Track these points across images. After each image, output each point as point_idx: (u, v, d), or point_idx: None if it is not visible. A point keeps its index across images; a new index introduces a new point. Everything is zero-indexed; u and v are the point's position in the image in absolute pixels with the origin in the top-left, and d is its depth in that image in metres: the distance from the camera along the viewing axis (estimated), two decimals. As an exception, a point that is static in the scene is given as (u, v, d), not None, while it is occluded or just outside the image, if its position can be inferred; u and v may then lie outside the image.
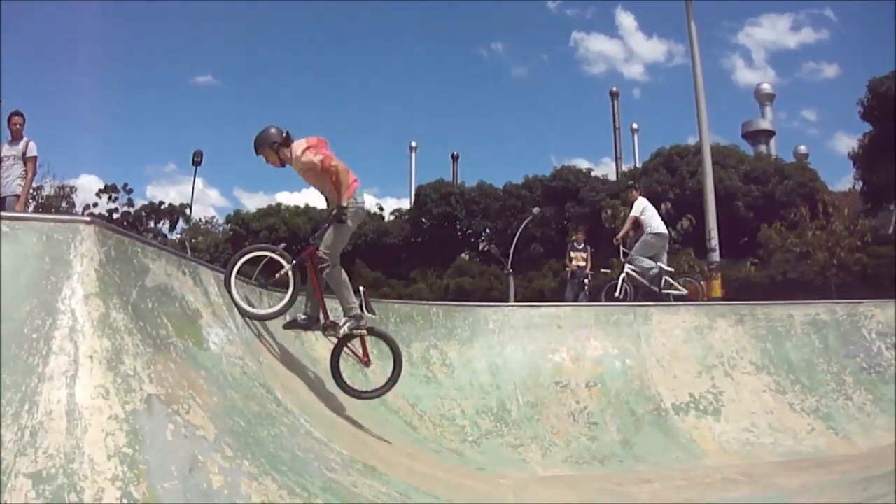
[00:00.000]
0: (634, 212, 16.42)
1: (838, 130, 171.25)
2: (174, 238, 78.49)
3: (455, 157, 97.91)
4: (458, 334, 13.04)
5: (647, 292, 16.22)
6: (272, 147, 9.04)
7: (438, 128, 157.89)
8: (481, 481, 9.27)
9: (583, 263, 19.32)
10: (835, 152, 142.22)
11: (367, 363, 9.61)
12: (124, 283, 6.25)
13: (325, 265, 8.94)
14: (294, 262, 9.15)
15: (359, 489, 6.62)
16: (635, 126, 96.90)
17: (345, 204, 8.77)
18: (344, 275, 9.11)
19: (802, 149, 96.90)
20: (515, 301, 43.28)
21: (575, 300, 18.45)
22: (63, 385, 5.14)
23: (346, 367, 9.73)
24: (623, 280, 16.30)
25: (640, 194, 17.07)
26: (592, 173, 71.22)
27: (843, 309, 14.58)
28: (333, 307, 9.43)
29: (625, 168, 78.73)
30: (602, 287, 17.13)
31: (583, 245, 19.65)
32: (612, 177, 74.24)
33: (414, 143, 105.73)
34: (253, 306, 9.29)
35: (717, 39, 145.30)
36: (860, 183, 51.90)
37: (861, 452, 10.87)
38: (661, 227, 16.50)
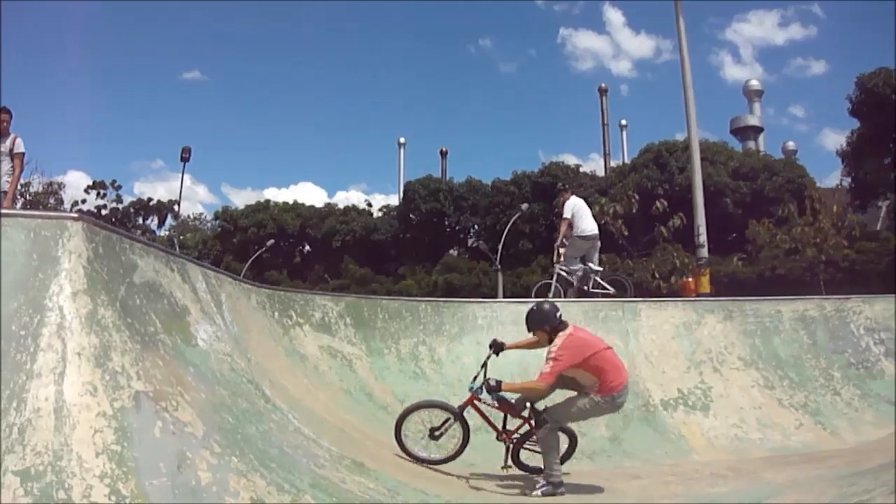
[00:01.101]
0: (566, 214, 16.39)
1: (826, 127, 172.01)
2: (163, 235, 78.36)
3: (444, 153, 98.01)
4: (447, 330, 13.05)
5: (577, 291, 16.28)
6: (544, 330, 8.93)
7: (427, 124, 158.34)
8: (471, 477, 9.27)
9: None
10: (822, 148, 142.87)
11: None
12: (112, 279, 6.23)
13: (545, 425, 8.67)
14: (460, 411, 9.13)
15: (348, 485, 6.63)
16: (624, 122, 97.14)
17: (598, 398, 8.60)
18: (557, 440, 8.80)
19: (791, 145, 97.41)
20: (504, 297, 43.31)
21: (564, 296, 18.48)
22: (51, 382, 5.13)
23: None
24: (554, 280, 16.32)
25: (573, 194, 17.16)
26: (581, 169, 71.34)
27: (831, 305, 14.63)
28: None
29: (613, 164, 78.80)
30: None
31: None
32: (601, 173, 74.40)
33: (402, 139, 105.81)
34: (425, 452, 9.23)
35: (704, 35, 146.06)
36: (848, 179, 52.04)
37: (849, 447, 10.90)
38: (588, 229, 16.45)
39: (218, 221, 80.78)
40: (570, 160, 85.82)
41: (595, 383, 8.55)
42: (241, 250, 68.53)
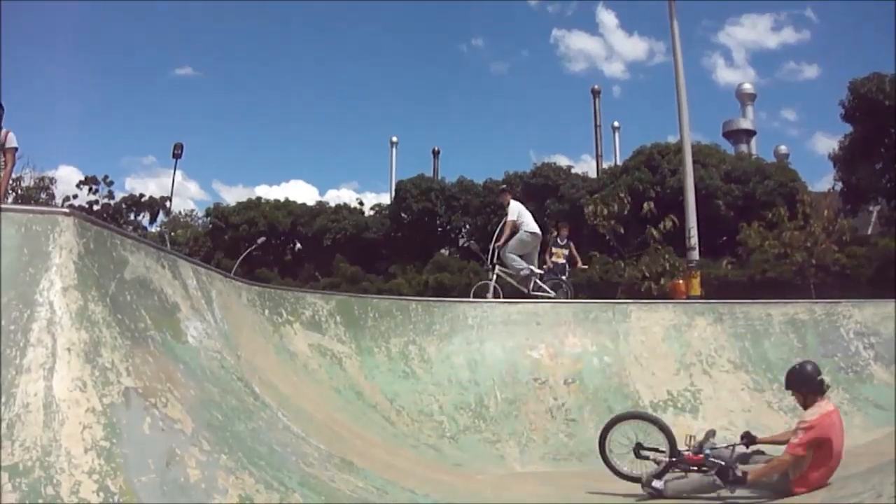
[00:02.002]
0: (511, 216, 16.45)
1: (818, 131, 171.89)
2: (154, 231, 78.17)
3: (436, 153, 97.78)
4: (437, 330, 13.06)
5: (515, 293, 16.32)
6: (801, 393, 8.41)
7: (419, 123, 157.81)
8: (459, 477, 9.29)
9: (562, 260, 19.30)
10: (814, 153, 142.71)
11: None
12: (103, 275, 6.22)
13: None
14: (677, 458, 8.64)
15: (336, 484, 6.63)
16: (616, 124, 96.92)
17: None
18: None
19: (783, 149, 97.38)
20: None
21: (502, 296, 18.53)
22: (40, 377, 5.12)
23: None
24: (493, 281, 16.32)
25: (513, 197, 17.29)
26: (573, 170, 71.30)
27: (821, 308, 14.68)
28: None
29: (605, 166, 78.78)
30: (583, 284, 17.19)
31: (565, 241, 19.61)
32: (593, 174, 74.36)
33: (395, 139, 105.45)
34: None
35: (697, 38, 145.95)
36: (839, 184, 52.13)
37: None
38: (535, 227, 16.60)
39: (209, 218, 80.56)
40: (562, 161, 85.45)
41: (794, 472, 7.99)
42: (232, 247, 68.32)
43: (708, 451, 8.48)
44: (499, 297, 15.88)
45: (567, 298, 16.16)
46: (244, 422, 6.70)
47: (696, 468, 8.50)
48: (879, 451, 8.31)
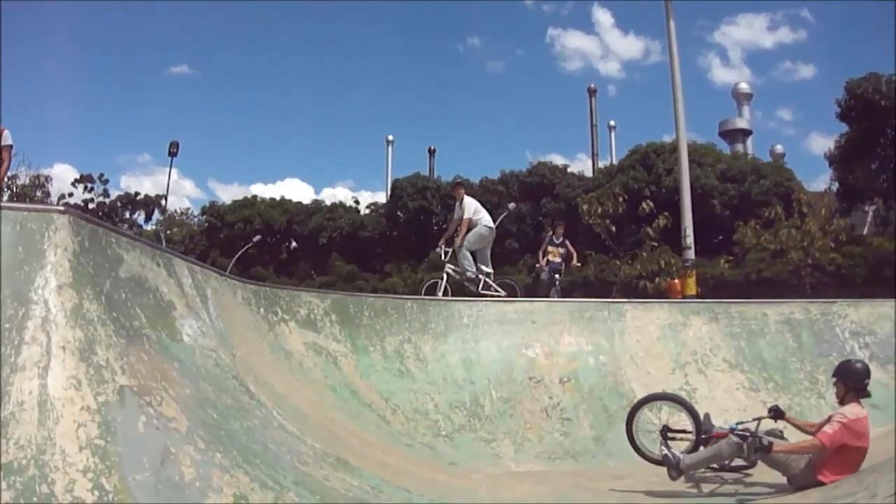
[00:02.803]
0: (468, 213, 16.45)
1: (813, 131, 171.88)
2: (149, 229, 78.13)
3: (432, 152, 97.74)
4: (432, 328, 13.06)
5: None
6: (847, 385, 8.44)
7: (415, 122, 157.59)
8: (454, 476, 9.29)
9: (559, 259, 19.31)
10: (809, 152, 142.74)
11: None
12: (98, 273, 6.22)
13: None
14: (706, 436, 8.78)
15: (331, 483, 6.63)
16: (612, 123, 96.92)
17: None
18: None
19: (779, 148, 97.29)
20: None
21: (546, 295, 18.52)
22: (35, 375, 5.12)
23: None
24: (444, 280, 16.32)
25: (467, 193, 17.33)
26: (568, 170, 71.32)
27: (816, 308, 14.68)
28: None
29: (601, 165, 78.79)
30: (579, 283, 17.19)
31: (561, 239, 19.62)
32: (588, 173, 74.36)
33: (391, 137, 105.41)
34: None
35: (693, 37, 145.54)
36: (835, 184, 52.20)
37: (832, 451, 10.93)
38: (492, 221, 16.75)
39: (205, 217, 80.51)
40: (558, 160, 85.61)
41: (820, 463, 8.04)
42: (227, 246, 68.22)
43: (734, 425, 8.61)
44: (447, 295, 15.86)
45: (518, 296, 16.16)
46: (239, 420, 6.70)
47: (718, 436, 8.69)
48: (874, 451, 8.31)
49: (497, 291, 16.33)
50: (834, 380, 8.71)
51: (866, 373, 8.50)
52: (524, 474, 10.10)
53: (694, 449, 8.70)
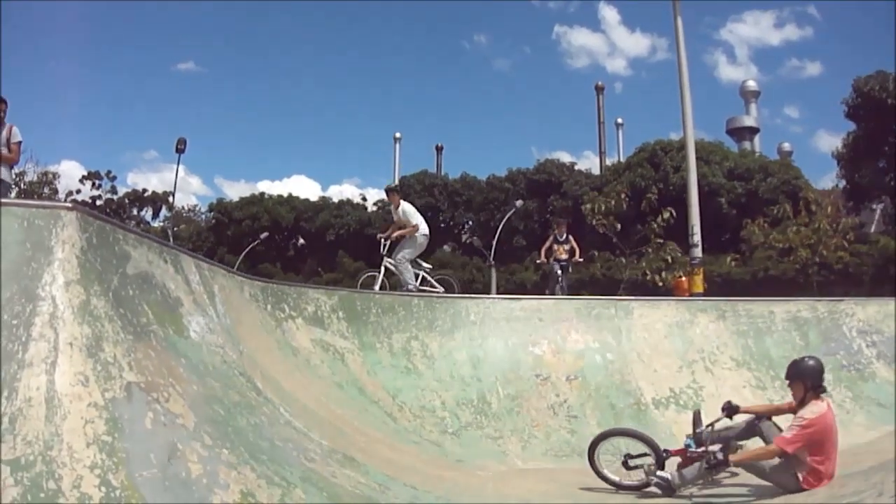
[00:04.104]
0: (414, 221, 16.39)
1: (820, 128, 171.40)
2: (157, 226, 78.17)
3: (439, 149, 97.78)
4: (439, 326, 13.05)
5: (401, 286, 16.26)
6: (804, 386, 8.25)
7: (423, 119, 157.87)
8: (461, 473, 9.28)
9: (565, 256, 19.27)
10: (816, 150, 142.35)
11: None
12: (105, 270, 6.22)
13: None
14: (665, 456, 8.70)
15: (338, 479, 6.63)
16: (620, 121, 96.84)
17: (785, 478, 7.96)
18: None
19: (786, 146, 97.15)
20: (497, 293, 43.29)
21: (553, 290, 18.53)
22: (43, 372, 5.13)
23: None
24: (382, 273, 16.29)
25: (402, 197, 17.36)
26: (576, 167, 71.27)
27: (824, 306, 14.64)
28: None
29: (608, 162, 78.70)
30: (586, 281, 17.14)
31: (564, 237, 19.58)
32: (595, 171, 74.31)
33: (398, 134, 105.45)
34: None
35: (699, 35, 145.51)
36: (842, 182, 52.12)
37: (840, 449, 10.90)
38: (427, 229, 16.75)
39: (212, 213, 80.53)
40: (564, 157, 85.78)
41: (800, 468, 7.92)
42: (234, 243, 68.21)
43: (688, 442, 8.59)
44: (384, 290, 15.84)
45: (456, 293, 16.15)
46: (246, 417, 6.70)
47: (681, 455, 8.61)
48: (881, 450, 8.30)
49: (435, 287, 16.31)
50: (788, 382, 8.62)
51: (821, 367, 8.41)
52: (531, 472, 10.09)
53: (658, 468, 8.65)
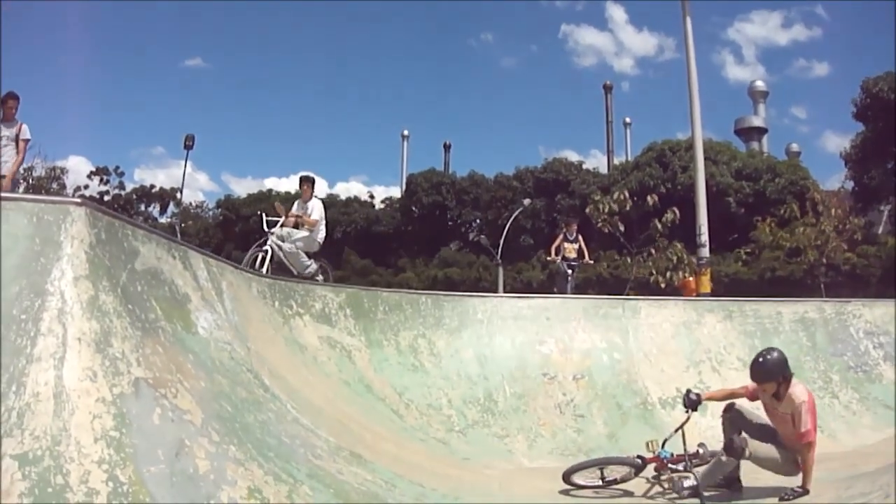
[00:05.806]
0: (316, 215, 15.54)
1: (827, 129, 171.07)
2: (165, 222, 78.33)
3: (447, 147, 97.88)
4: (447, 324, 13.04)
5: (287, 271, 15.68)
6: (777, 381, 8.06)
7: (430, 117, 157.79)
8: (467, 471, 9.29)
9: (574, 255, 19.29)
10: (823, 150, 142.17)
11: None
12: (114, 265, 6.23)
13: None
14: (643, 466, 8.61)
15: (344, 476, 6.64)
16: (628, 120, 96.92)
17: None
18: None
19: (794, 147, 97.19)
20: (504, 292, 43.28)
21: (563, 288, 18.53)
22: (51, 367, 5.13)
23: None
24: (269, 253, 14.73)
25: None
26: (583, 166, 71.28)
27: (831, 307, 14.63)
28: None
29: (616, 161, 78.68)
30: (593, 280, 17.07)
31: (574, 236, 19.59)
32: (603, 170, 74.33)
33: (406, 132, 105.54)
34: None
35: (707, 35, 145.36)
36: (850, 182, 52.07)
37: (846, 451, 10.89)
38: (323, 237, 16.06)
39: (219, 210, 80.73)
40: (571, 156, 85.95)
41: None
42: (242, 239, 68.32)
43: (664, 452, 8.52)
44: (268, 273, 14.71)
45: (330, 281, 15.91)
46: (253, 413, 6.71)
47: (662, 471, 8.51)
48: (888, 451, 8.29)
49: (315, 277, 15.95)
50: (755, 385, 8.39)
51: (785, 357, 8.23)
52: (537, 470, 10.09)
53: (637, 472, 8.60)
